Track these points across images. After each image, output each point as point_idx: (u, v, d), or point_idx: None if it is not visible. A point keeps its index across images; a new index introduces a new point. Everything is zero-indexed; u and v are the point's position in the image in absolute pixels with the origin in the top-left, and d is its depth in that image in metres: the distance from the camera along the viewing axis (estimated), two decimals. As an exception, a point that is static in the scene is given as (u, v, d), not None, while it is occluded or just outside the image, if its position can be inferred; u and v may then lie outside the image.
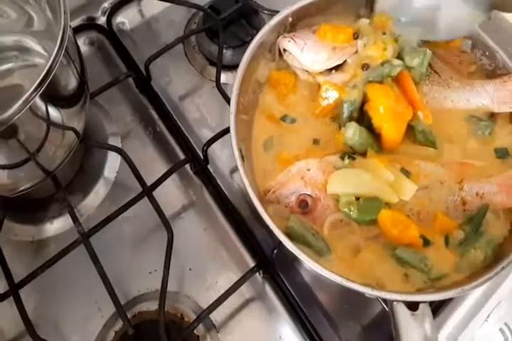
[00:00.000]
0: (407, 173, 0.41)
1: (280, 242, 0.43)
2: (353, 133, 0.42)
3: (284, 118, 0.48)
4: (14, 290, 0.45)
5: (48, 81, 0.40)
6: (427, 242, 0.39)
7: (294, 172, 0.43)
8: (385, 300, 0.36)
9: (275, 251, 0.45)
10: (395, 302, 0.34)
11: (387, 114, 0.42)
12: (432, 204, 0.41)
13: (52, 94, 0.42)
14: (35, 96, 0.39)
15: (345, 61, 0.48)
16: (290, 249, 0.37)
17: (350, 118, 0.45)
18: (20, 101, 0.38)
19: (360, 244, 0.40)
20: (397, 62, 0.46)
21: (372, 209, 0.39)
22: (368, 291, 0.35)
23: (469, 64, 0.50)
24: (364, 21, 0.50)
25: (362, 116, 0.45)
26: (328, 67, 0.47)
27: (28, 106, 0.39)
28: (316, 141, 0.46)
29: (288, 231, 0.40)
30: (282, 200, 0.42)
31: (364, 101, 0.44)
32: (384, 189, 0.39)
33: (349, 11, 0.52)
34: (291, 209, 0.42)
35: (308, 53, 0.47)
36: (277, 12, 0.61)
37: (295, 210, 0.41)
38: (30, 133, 0.42)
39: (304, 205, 0.41)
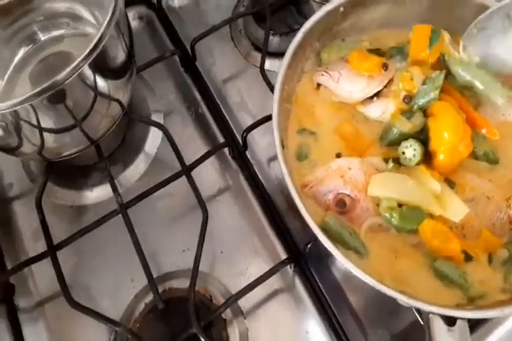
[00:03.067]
0: (451, 184, 0.35)
1: (315, 238, 0.39)
2: (413, 153, 0.35)
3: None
4: (52, 251, 0.41)
5: (97, 51, 0.35)
6: (468, 257, 0.33)
7: (333, 169, 0.37)
8: (419, 311, 0.31)
9: (309, 246, 0.40)
10: (431, 315, 0.29)
11: (449, 144, 0.34)
12: (477, 219, 0.35)
13: (100, 64, 0.37)
14: (84, 65, 0.35)
15: (385, 86, 0.39)
16: (325, 245, 0.32)
17: (396, 140, 0.37)
18: (69, 68, 0.34)
19: (398, 249, 0.34)
20: (434, 73, 0.37)
21: (415, 219, 0.33)
22: (403, 299, 0.29)
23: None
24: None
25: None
26: (368, 96, 0.39)
27: (76, 73, 0.35)
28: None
29: (324, 227, 0.34)
30: (319, 197, 0.36)
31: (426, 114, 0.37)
32: (429, 199, 0.33)
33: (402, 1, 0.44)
34: (327, 207, 0.36)
35: (344, 84, 0.39)
36: (327, 1, 0.54)
37: (332, 209, 0.35)
38: (78, 101, 0.38)
39: (342, 205, 0.35)
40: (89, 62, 0.35)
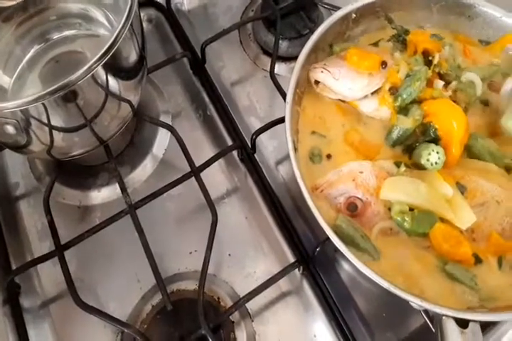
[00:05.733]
0: (462, 188, 0.35)
1: (324, 240, 0.39)
2: (437, 156, 0.35)
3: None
4: (60, 250, 0.41)
5: (111, 52, 0.35)
6: (478, 260, 0.34)
7: (345, 172, 0.37)
8: (427, 314, 0.31)
9: (317, 249, 0.39)
10: (444, 317, 0.29)
11: (459, 133, 0.35)
12: (487, 223, 0.35)
13: (113, 65, 0.37)
14: (97, 66, 0.35)
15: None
16: (339, 247, 0.32)
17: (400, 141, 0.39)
18: (83, 69, 0.34)
19: (409, 252, 0.34)
20: (416, 68, 0.39)
21: (427, 222, 0.33)
22: (416, 301, 0.29)
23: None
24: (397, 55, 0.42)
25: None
26: (369, 93, 0.40)
27: (90, 74, 0.35)
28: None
29: (336, 229, 0.34)
30: (330, 200, 0.36)
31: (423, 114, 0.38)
32: (441, 204, 0.33)
33: (414, 9, 0.45)
34: (338, 210, 0.36)
35: (344, 81, 0.39)
36: (336, 7, 0.55)
37: (343, 212, 0.36)
38: (89, 101, 0.38)
39: (353, 208, 0.35)
40: (103, 62, 0.36)
